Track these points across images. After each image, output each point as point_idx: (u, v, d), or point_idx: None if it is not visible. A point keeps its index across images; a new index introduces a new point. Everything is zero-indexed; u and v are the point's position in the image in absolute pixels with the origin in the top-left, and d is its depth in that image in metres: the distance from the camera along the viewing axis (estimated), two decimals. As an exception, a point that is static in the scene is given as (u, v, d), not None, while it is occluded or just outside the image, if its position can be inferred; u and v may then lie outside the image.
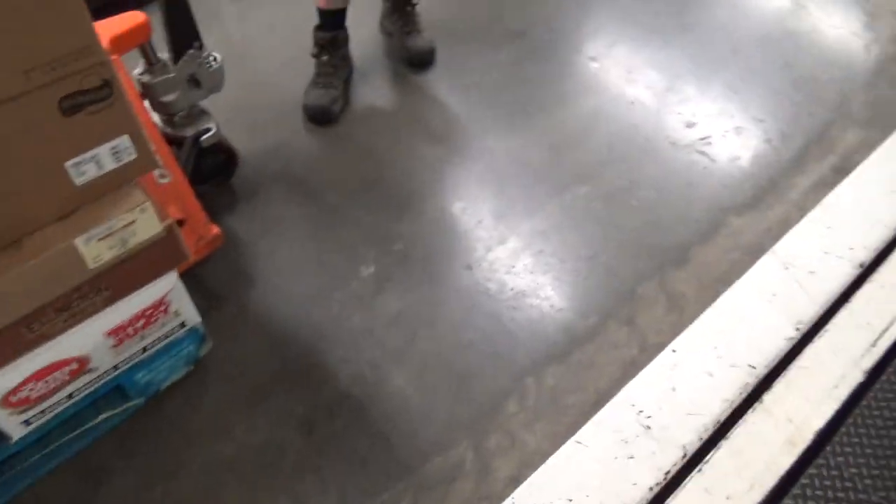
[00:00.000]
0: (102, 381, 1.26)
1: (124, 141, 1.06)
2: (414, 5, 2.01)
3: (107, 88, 0.99)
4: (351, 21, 1.87)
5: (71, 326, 1.14)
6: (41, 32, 0.88)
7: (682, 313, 1.39)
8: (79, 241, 1.06)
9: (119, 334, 1.23)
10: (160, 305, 1.28)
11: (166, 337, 1.32)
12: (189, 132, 1.54)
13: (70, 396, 1.23)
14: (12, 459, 1.23)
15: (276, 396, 1.32)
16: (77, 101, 0.98)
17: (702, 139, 1.76)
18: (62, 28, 0.90)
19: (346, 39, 1.91)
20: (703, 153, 1.73)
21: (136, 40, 1.35)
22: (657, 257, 1.50)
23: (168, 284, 1.26)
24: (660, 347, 1.33)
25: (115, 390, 1.30)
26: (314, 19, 1.83)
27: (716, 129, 1.79)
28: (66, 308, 1.12)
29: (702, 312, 1.38)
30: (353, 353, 1.37)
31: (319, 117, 1.86)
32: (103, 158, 1.06)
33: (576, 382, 1.30)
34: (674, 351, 1.32)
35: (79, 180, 1.04)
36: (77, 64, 0.94)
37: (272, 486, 1.21)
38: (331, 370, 1.34)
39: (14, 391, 1.13)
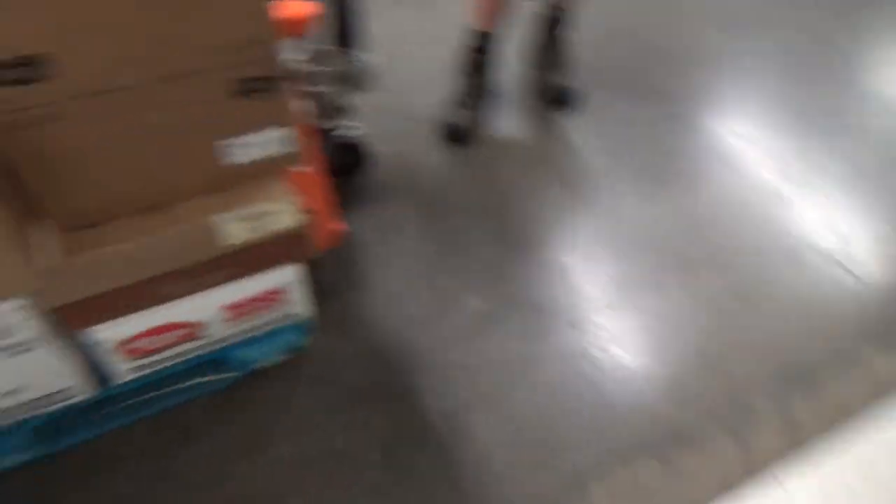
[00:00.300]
0: (207, 350, 1.28)
1: (279, 132, 1.07)
2: (561, 41, 1.97)
3: (275, 80, 1.01)
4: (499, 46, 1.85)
5: (191, 293, 1.16)
6: (230, 17, 0.90)
7: (797, 443, 1.29)
8: (218, 219, 1.08)
9: (234, 311, 1.25)
10: (278, 293, 1.29)
11: (275, 322, 1.32)
12: (331, 125, 1.55)
13: (175, 357, 1.25)
14: (112, 399, 1.26)
15: (364, 409, 1.30)
16: (248, 86, 1.00)
17: (847, 252, 1.64)
18: (248, 16, 0.92)
19: (493, 63, 1.89)
20: (847, 269, 1.61)
21: (301, 30, 1.36)
22: (780, 373, 1.41)
23: (290, 275, 1.27)
24: (766, 474, 1.24)
25: (212, 361, 1.31)
26: (464, 35, 1.82)
27: (864, 245, 1.67)
28: (192, 277, 1.13)
29: (820, 447, 1.28)
30: (447, 388, 1.34)
31: (456, 136, 1.84)
32: (257, 145, 1.07)
33: (668, 485, 1.23)
34: (780, 483, 1.23)
35: (231, 160, 1.06)
36: (255, 52, 0.96)
37: (339, 498, 1.19)
38: (422, 399, 1.32)
39: (130, 340, 1.15)
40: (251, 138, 1.05)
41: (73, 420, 1.24)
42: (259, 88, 1.00)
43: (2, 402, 1.10)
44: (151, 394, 1.30)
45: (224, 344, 1.29)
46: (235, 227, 1.10)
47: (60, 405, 1.19)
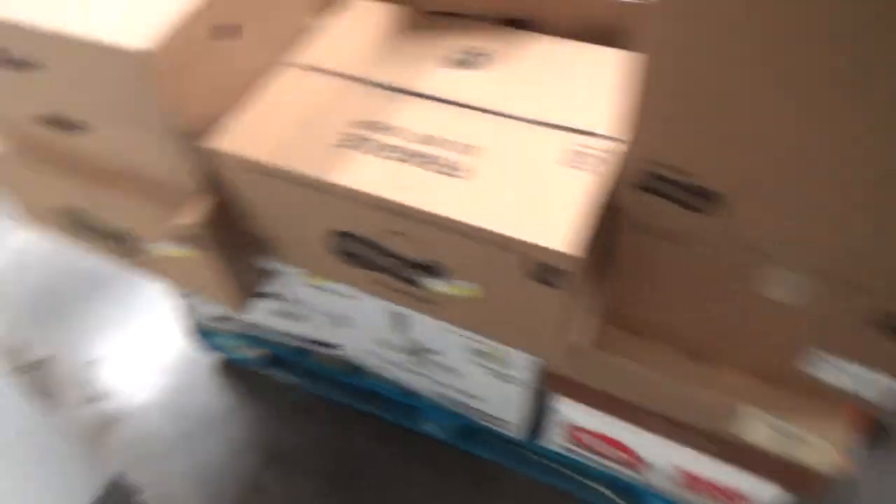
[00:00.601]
0: (632, 482, 1.16)
1: (887, 383, 0.79)
2: None
3: None
4: None
5: (665, 436, 1.03)
6: None
7: None
8: (751, 410, 0.90)
9: (686, 477, 1.08)
10: (742, 497, 1.07)
11: None
12: None
13: (601, 465, 1.16)
14: (525, 447, 1.24)
15: None
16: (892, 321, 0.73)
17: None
18: None
19: None
20: None
21: None
22: None
23: (767, 493, 1.03)
24: None
25: (626, 489, 1.19)
26: None
27: None
28: (677, 426, 0.99)
29: None
30: None
31: None
32: (854, 377, 0.83)
33: None
34: None
35: (812, 370, 0.84)
36: None
37: None
38: None
39: (580, 429, 1.10)
40: (855, 369, 0.83)
41: (486, 437, 1.27)
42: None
43: (459, 396, 1.18)
44: (557, 466, 1.25)
45: (649, 491, 1.15)
46: (759, 428, 0.91)
47: (491, 426, 1.22)
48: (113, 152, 0.88)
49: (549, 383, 1.04)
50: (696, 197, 0.69)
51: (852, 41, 0.51)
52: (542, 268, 0.72)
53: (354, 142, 0.77)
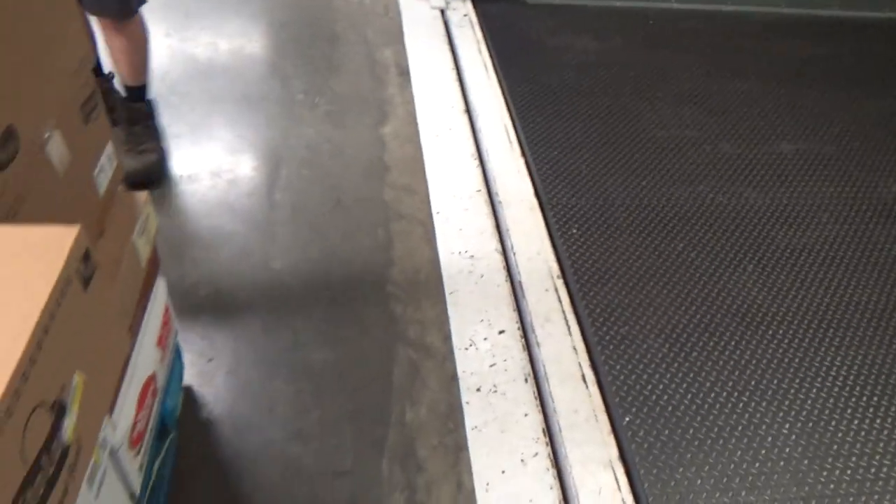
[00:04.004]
0: (160, 404, 1.19)
1: (109, 148, 1.09)
2: None
3: (97, 95, 1.04)
4: None
5: (138, 333, 1.09)
6: (68, 41, 0.96)
7: None
8: (135, 237, 1.08)
9: (161, 344, 1.19)
10: (167, 312, 1.24)
11: (173, 353, 1.29)
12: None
13: (150, 428, 1.12)
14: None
15: None
16: (89, 106, 1.02)
17: None
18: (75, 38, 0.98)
19: None
20: None
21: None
22: None
23: (163, 287, 1.23)
24: None
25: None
26: None
27: None
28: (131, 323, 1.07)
29: None
30: None
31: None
32: (105, 166, 1.08)
33: None
34: None
35: (100, 190, 1.05)
36: (85, 71, 1.01)
37: None
38: None
39: (134, 426, 1.01)
40: (103, 159, 1.05)
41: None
42: (94, 107, 1.03)
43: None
44: None
45: (163, 394, 1.21)
46: (140, 243, 1.12)
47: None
48: None
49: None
50: None
51: None
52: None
53: None
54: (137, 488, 1.02)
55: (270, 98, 2.27)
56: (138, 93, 1.91)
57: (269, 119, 2.18)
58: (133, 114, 1.90)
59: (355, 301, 1.62)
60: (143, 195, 1.15)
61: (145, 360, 1.09)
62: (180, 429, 1.31)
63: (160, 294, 1.20)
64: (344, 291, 1.64)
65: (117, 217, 1.08)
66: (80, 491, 0.78)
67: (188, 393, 1.40)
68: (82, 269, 0.76)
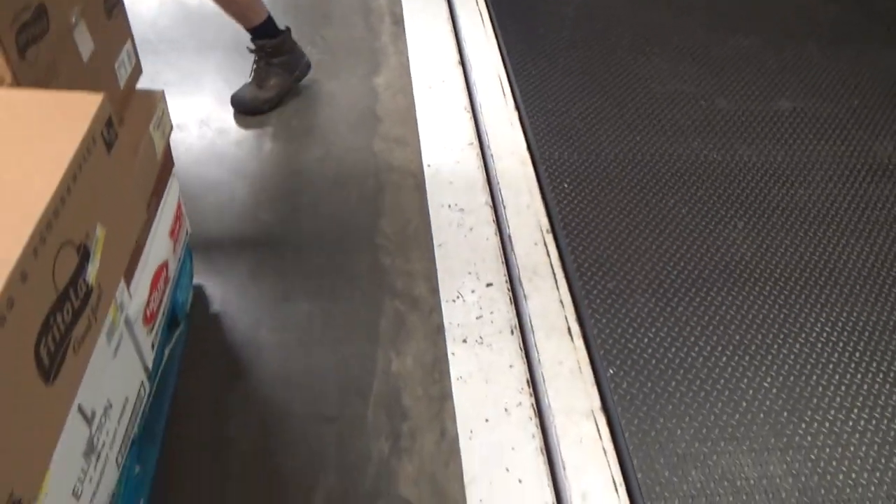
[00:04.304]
0: (171, 293, 1.30)
1: (129, 45, 1.17)
2: None
3: None
4: None
5: (153, 222, 1.20)
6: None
7: None
8: (151, 127, 1.15)
9: (174, 237, 1.30)
10: (179, 207, 1.35)
11: (184, 246, 1.40)
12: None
13: (162, 312, 1.26)
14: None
15: None
16: (111, 2, 1.09)
17: None
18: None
19: None
20: None
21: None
22: None
23: (177, 186, 1.33)
24: None
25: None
26: None
27: None
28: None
29: None
30: None
31: None
32: (125, 62, 1.14)
33: None
34: None
35: (121, 82, 1.12)
36: None
37: None
38: None
39: (147, 303, 1.14)
40: (123, 53, 1.12)
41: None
42: (115, 2, 1.12)
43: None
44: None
45: (174, 284, 1.33)
46: (156, 136, 1.20)
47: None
48: None
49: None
50: None
51: None
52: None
53: None
54: (150, 363, 1.16)
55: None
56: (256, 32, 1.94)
57: (260, 68, 2.14)
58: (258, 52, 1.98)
59: (344, 252, 1.62)
60: (158, 93, 1.23)
61: (159, 246, 1.20)
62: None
63: (173, 191, 1.31)
64: (332, 242, 1.64)
65: (135, 110, 1.17)
66: (99, 341, 0.90)
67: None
68: (105, 133, 0.88)
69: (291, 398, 1.33)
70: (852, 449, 1.33)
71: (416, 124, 1.99)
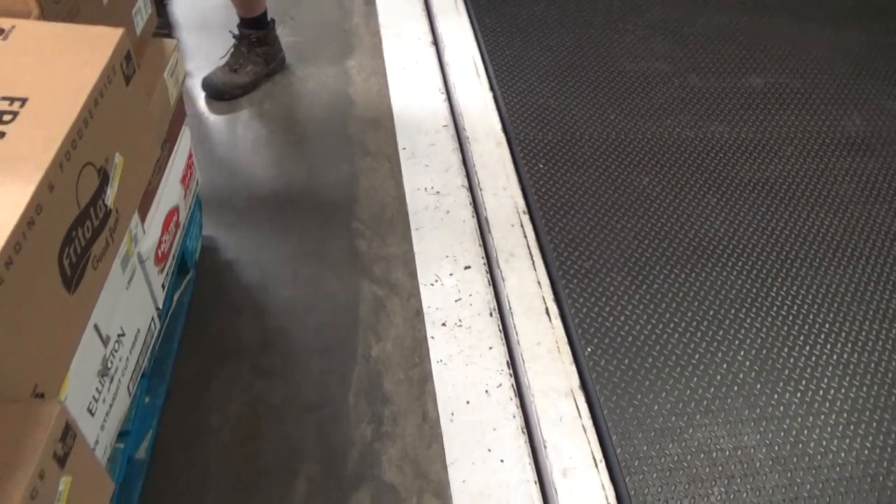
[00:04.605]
0: (181, 239, 1.36)
1: None
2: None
3: None
4: None
5: (166, 167, 1.26)
6: None
7: None
8: (166, 74, 1.19)
9: (184, 183, 1.35)
10: (190, 157, 1.39)
11: (194, 197, 1.45)
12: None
13: (173, 256, 1.32)
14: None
15: None
16: None
17: None
18: None
19: None
20: None
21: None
22: None
23: (188, 135, 1.37)
24: None
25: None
26: None
27: None
28: (159, 158, 1.20)
29: None
30: None
31: None
32: (142, 9, 1.17)
33: None
34: None
35: (137, 29, 1.16)
36: None
37: None
38: None
39: (159, 244, 1.20)
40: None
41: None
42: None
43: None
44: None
45: (184, 231, 1.39)
46: (170, 83, 1.24)
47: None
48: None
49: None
50: None
51: None
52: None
53: None
54: (161, 303, 1.24)
55: (231, 27, 2.18)
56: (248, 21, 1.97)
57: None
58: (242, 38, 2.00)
59: (321, 238, 1.61)
60: (172, 42, 1.26)
61: (171, 191, 1.27)
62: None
63: (185, 139, 1.37)
64: (309, 229, 1.63)
65: (151, 56, 1.21)
66: (114, 267, 0.98)
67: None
68: (124, 66, 0.94)
69: (272, 386, 1.33)
70: (823, 417, 1.36)
71: (391, 107, 1.97)
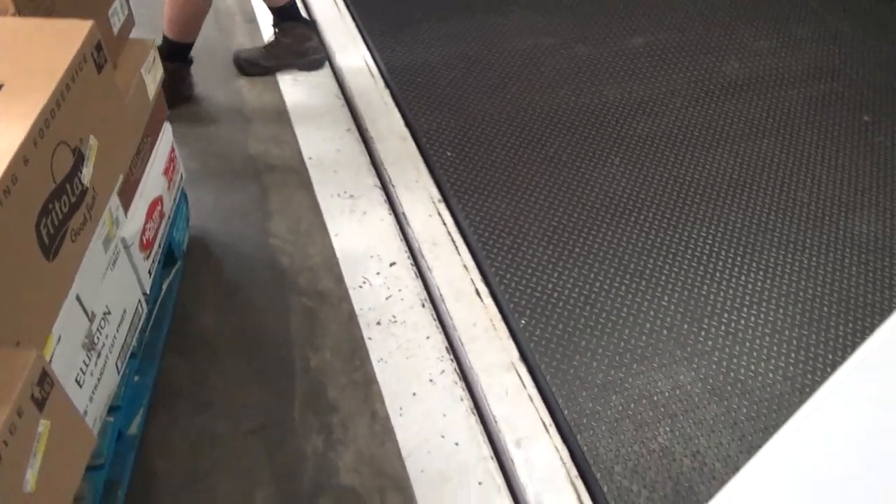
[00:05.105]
0: (166, 229, 1.41)
1: None
2: None
3: None
4: None
5: (149, 159, 1.33)
6: None
7: None
8: (143, 71, 1.24)
9: (168, 175, 1.41)
10: (173, 151, 1.46)
11: (179, 189, 1.51)
12: None
13: (159, 244, 1.38)
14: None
15: None
16: None
17: None
18: None
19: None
20: None
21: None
22: None
23: (170, 132, 1.44)
24: None
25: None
26: None
27: None
28: (141, 150, 1.28)
29: None
30: None
31: None
32: (119, 11, 1.23)
33: None
34: None
35: (115, 29, 1.21)
36: None
37: None
38: None
39: (143, 231, 1.27)
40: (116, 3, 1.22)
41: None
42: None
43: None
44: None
45: (169, 220, 1.44)
46: (148, 80, 1.29)
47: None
48: None
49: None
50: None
51: None
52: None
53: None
54: (148, 287, 1.30)
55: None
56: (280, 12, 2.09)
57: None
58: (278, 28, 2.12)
59: (240, 261, 1.58)
60: (150, 41, 1.31)
61: (153, 182, 1.32)
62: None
63: (167, 135, 1.42)
64: (226, 254, 1.60)
65: (129, 54, 1.26)
66: (96, 245, 1.04)
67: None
68: (95, 55, 1.01)
69: (211, 418, 1.29)
70: (748, 344, 1.44)
71: (290, 119, 1.95)
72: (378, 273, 1.56)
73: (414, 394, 1.34)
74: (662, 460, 1.26)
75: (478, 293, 1.52)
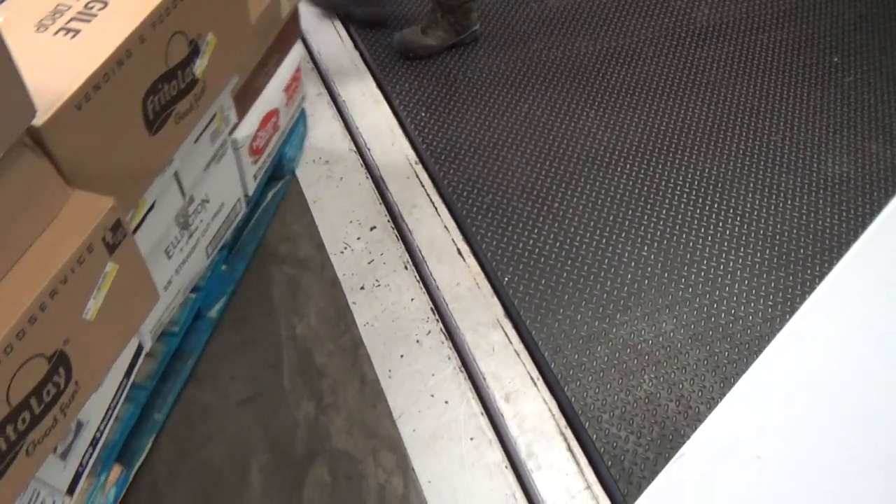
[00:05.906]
0: (280, 142, 1.50)
1: None
2: None
3: None
4: None
5: (274, 74, 1.41)
6: None
7: None
8: None
9: (287, 92, 1.47)
10: (298, 72, 1.51)
11: (297, 109, 1.58)
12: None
13: (269, 154, 1.47)
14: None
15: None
16: None
17: None
18: None
19: None
20: None
21: None
22: None
23: (298, 53, 1.50)
24: None
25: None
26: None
27: None
28: (267, 63, 1.36)
29: None
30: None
31: None
32: None
33: None
34: None
35: None
36: None
37: None
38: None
39: (255, 137, 1.34)
40: None
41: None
42: None
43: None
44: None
45: (283, 138, 1.54)
46: None
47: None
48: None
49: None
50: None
51: None
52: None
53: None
54: (250, 190, 1.41)
55: None
56: None
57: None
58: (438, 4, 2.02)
59: (217, 233, 1.56)
60: None
61: (272, 96, 1.40)
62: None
63: (295, 54, 1.49)
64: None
65: None
66: (202, 135, 1.14)
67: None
68: None
69: (201, 391, 1.29)
70: (727, 289, 1.47)
71: (259, 86, 1.91)
72: (359, 238, 1.55)
73: (401, 356, 1.35)
74: (648, 406, 1.29)
75: (460, 253, 1.52)
